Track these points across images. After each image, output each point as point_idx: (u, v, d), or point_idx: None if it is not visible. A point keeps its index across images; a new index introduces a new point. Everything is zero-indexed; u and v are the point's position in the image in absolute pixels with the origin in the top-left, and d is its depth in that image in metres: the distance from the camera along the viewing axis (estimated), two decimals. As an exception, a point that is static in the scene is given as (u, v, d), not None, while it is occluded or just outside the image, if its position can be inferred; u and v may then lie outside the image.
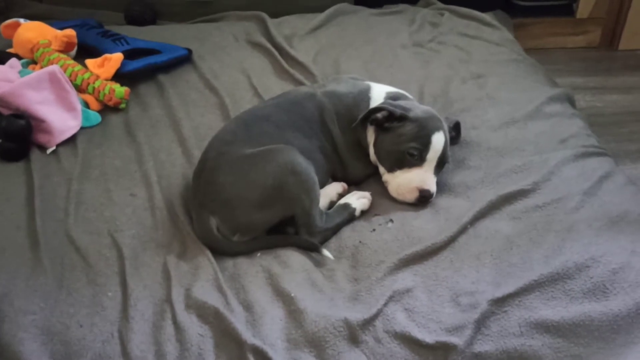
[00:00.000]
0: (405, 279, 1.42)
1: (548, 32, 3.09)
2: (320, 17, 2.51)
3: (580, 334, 1.31)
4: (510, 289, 1.37)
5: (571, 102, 2.10)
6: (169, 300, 1.38)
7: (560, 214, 1.56)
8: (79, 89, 2.01)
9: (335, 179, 1.73)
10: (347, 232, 1.56)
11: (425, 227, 1.54)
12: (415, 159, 1.60)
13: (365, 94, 1.74)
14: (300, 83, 2.11)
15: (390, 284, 1.40)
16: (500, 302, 1.35)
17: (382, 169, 1.68)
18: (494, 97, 2.00)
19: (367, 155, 1.72)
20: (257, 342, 1.29)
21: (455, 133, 1.78)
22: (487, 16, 2.55)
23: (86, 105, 2.00)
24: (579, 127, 1.91)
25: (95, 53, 2.17)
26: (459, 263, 1.45)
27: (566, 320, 1.32)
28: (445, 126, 1.67)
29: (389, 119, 1.63)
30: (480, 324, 1.32)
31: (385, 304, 1.36)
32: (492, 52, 2.31)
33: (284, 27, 2.46)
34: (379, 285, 1.40)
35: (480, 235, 1.51)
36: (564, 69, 2.89)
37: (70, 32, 2.11)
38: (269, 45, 2.34)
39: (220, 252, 1.51)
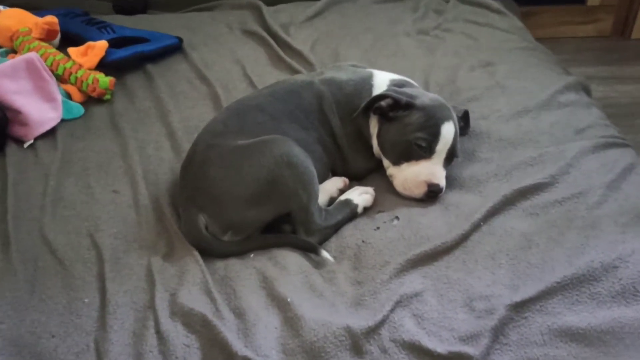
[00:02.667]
0: (414, 281, 1.30)
1: (557, 21, 2.99)
2: (318, 4, 2.41)
3: (609, 342, 1.18)
4: (530, 292, 1.25)
5: (586, 91, 1.99)
6: (152, 306, 1.27)
7: (581, 209, 1.44)
8: (61, 79, 1.91)
9: (336, 173, 1.62)
10: (348, 231, 1.45)
11: (434, 225, 1.43)
12: (423, 150, 1.48)
13: (367, 82, 1.63)
14: (298, 73, 2.00)
15: (397, 287, 1.29)
16: (519, 307, 1.23)
17: (386, 162, 1.57)
18: (504, 85, 1.89)
19: (370, 147, 1.61)
20: (249, 353, 1.17)
21: (463, 123, 1.67)
22: (494, 3, 2.43)
23: (68, 96, 1.89)
24: (597, 117, 1.80)
25: (79, 42, 2.05)
26: (472, 264, 1.34)
27: (593, 327, 1.20)
28: (455, 116, 1.55)
29: (393, 107, 1.51)
30: (498, 331, 1.20)
31: (392, 310, 1.24)
32: (502, 40, 2.19)
33: (281, 15, 2.36)
34: (385, 289, 1.29)
35: (494, 233, 1.40)
36: (575, 59, 2.77)
37: (52, 19, 1.99)
38: (264, 34, 2.24)
39: (209, 253, 1.40)
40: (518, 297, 1.24)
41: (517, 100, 1.81)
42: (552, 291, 1.25)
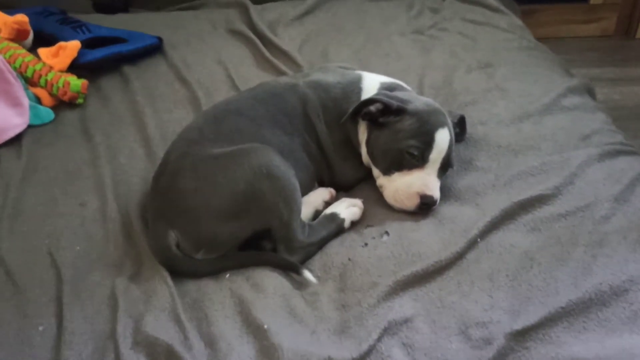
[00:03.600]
0: (404, 305, 1.19)
1: (558, 20, 2.90)
2: (308, 2, 2.29)
3: (620, 376, 1.07)
4: (532, 318, 1.13)
5: (591, 93, 1.89)
6: (113, 335, 1.15)
7: (588, 224, 1.32)
8: (30, 82, 1.81)
9: (322, 183, 1.51)
10: (334, 248, 1.34)
11: (427, 241, 1.32)
12: (415, 159, 1.37)
13: (356, 85, 1.52)
14: (284, 74, 1.89)
15: (386, 312, 1.17)
16: (520, 336, 1.12)
17: (376, 172, 1.45)
18: (504, 88, 1.78)
19: (359, 155, 1.50)
20: (219, 388, 1.05)
21: (459, 129, 1.56)
22: (493, 1, 2.33)
23: (38, 100, 1.78)
24: (602, 122, 1.69)
25: (53, 42, 1.92)
26: (468, 286, 1.22)
27: (602, 357, 1.08)
28: (450, 121, 1.44)
29: (384, 112, 1.41)
30: (497, 363, 1.08)
31: (379, 339, 1.12)
32: (500, 39, 2.09)
33: (268, 14, 2.26)
34: (372, 314, 1.17)
35: (492, 250, 1.29)
36: (577, 60, 2.67)
37: (22, 18, 1.87)
38: (250, 34, 2.14)
39: (180, 272, 1.28)
40: (519, 325, 1.13)
41: (517, 104, 1.70)
42: (556, 317, 1.14)
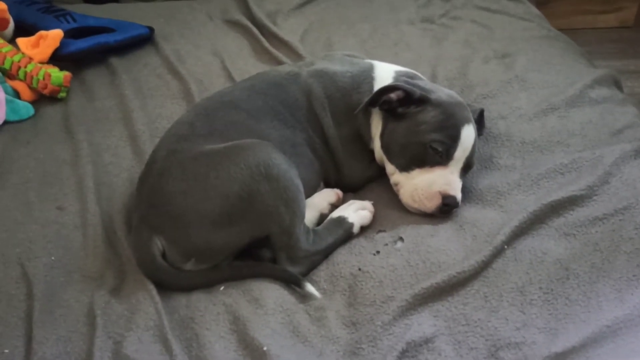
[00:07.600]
0: (423, 323, 1.05)
1: (575, 10, 2.80)
2: (309, -10, 2.16)
3: (678, 407, 0.92)
4: (572, 339, 1.00)
5: (618, 85, 1.74)
6: (89, 359, 1.01)
7: (629, 228, 1.19)
8: (8, 75, 1.69)
9: (327, 184, 1.39)
10: (342, 256, 1.22)
11: (447, 249, 1.19)
12: (439, 155, 1.24)
13: (367, 74, 1.40)
14: (284, 66, 1.73)
15: (402, 331, 1.04)
16: None
17: (391, 168, 1.33)
18: (525, 79, 1.65)
19: (369, 152, 1.38)
20: None
21: (477, 124, 1.41)
22: (507, -11, 2.17)
23: (16, 94, 1.65)
24: (634, 115, 1.56)
25: (35, 33, 1.79)
26: (496, 300, 1.09)
27: (656, 385, 0.94)
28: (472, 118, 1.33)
29: (404, 101, 1.29)
30: (534, 393, 0.95)
31: (396, 363, 0.98)
32: (518, 28, 1.96)
33: (267, 3, 2.14)
34: (387, 334, 1.04)
35: (522, 259, 1.15)
36: (596, 52, 2.53)
37: (0, 6, 1.72)
38: (248, 24, 2.02)
39: (168, 285, 1.15)
40: (558, 347, 0.99)
41: (540, 96, 1.57)
42: (601, 338, 1.00)
